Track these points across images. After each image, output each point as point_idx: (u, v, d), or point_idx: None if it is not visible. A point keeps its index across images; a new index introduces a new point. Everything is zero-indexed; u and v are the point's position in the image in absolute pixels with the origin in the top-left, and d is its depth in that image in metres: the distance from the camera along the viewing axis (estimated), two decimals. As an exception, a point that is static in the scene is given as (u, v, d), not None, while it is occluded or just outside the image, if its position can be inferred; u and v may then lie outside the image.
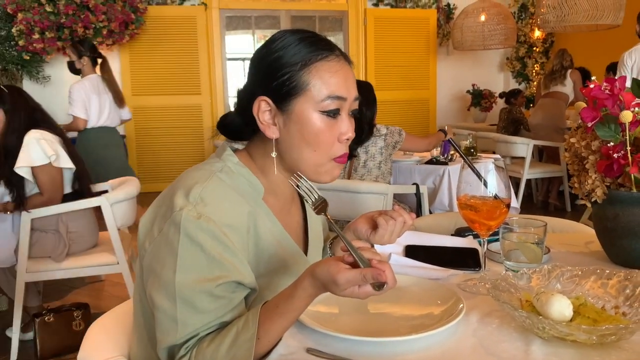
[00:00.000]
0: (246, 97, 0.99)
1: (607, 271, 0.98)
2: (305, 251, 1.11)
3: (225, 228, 0.89)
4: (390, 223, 1.08)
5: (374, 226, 1.10)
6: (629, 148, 1.10)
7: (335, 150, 0.97)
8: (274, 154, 0.98)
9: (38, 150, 2.50)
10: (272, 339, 0.85)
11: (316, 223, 1.19)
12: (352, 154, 2.84)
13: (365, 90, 2.93)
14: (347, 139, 0.98)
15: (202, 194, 0.90)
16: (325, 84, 0.93)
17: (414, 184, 2.93)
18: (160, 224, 0.91)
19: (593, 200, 1.18)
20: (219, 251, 0.87)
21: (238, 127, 1.04)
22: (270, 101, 0.95)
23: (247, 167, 1.00)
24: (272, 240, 1.00)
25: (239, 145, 1.07)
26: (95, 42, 5.59)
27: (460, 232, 1.49)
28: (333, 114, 0.95)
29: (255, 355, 0.82)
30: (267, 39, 1.00)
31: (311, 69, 0.93)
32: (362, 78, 6.63)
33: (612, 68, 5.29)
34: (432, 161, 3.52)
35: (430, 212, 3.16)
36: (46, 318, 2.50)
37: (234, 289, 0.89)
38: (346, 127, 0.97)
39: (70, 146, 2.70)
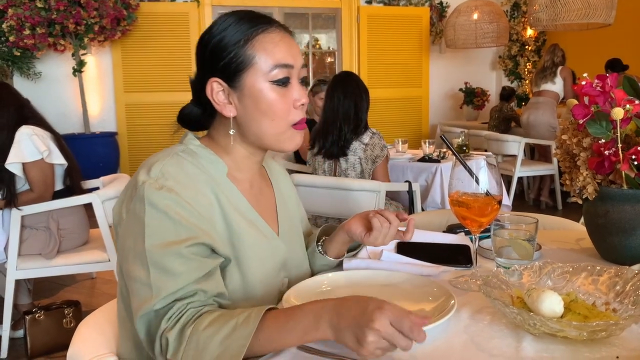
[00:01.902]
0: (198, 83, 1.03)
1: (598, 268, 0.98)
2: (278, 231, 1.12)
3: (188, 199, 0.92)
4: (384, 226, 1.09)
5: (369, 227, 1.11)
6: (620, 145, 1.10)
7: (292, 117, 1.00)
8: (231, 132, 1.01)
9: (30, 146, 2.48)
10: (270, 347, 0.83)
11: (287, 204, 1.19)
12: (346, 145, 2.82)
13: (360, 81, 2.93)
14: (302, 105, 1.01)
15: (162, 170, 0.94)
16: (270, 54, 0.97)
17: (406, 181, 2.93)
18: (127, 204, 0.94)
19: (584, 197, 1.19)
20: (185, 216, 0.90)
21: (197, 116, 1.07)
22: (221, 81, 0.99)
23: (209, 149, 1.03)
24: (239, 215, 1.01)
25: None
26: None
27: (452, 229, 1.49)
28: (283, 82, 0.98)
29: (248, 353, 0.81)
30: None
31: (254, 43, 0.97)
32: (355, 76, 6.61)
33: (611, 66, 5.29)
34: (425, 159, 3.53)
35: (423, 210, 3.16)
36: (37, 315, 2.48)
37: (206, 253, 0.92)
38: (299, 93, 1.01)
39: (61, 142, 2.68)
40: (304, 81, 1.04)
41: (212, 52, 0.99)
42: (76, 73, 5.80)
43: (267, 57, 0.97)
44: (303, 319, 0.81)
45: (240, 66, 0.97)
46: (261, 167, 1.16)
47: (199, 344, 0.82)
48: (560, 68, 5.33)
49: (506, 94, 6.29)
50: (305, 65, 0.99)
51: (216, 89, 0.99)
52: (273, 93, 0.98)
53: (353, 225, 1.14)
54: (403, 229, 1.15)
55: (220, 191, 0.99)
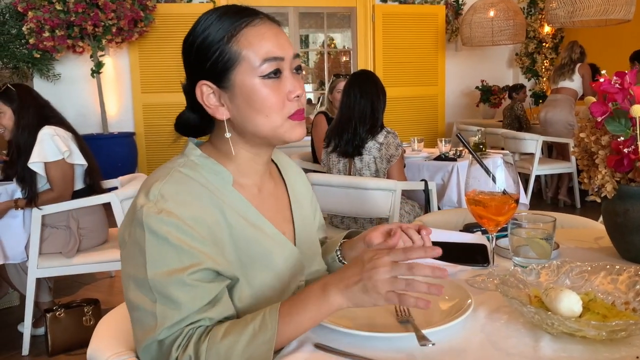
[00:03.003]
0: (189, 88, 0.99)
1: (617, 267, 0.97)
2: (294, 233, 1.08)
3: (189, 221, 0.87)
4: (407, 246, 1.05)
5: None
6: (639, 143, 1.09)
7: (287, 110, 0.95)
8: (227, 135, 0.96)
9: (52, 146, 2.52)
10: (291, 337, 0.84)
11: (302, 203, 1.14)
12: (362, 144, 2.82)
13: (378, 79, 2.93)
14: (297, 96, 0.96)
15: (161, 191, 0.89)
16: (257, 48, 0.92)
17: (422, 180, 2.92)
18: (128, 228, 0.90)
19: (603, 195, 1.17)
20: (187, 241, 0.86)
21: (195, 122, 1.02)
22: (210, 83, 0.94)
23: (211, 158, 0.98)
24: (248, 227, 0.96)
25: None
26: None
27: (468, 228, 1.48)
28: (274, 75, 0.93)
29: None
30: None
31: (239, 38, 0.92)
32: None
33: (637, 57, 5.15)
34: (441, 157, 3.51)
35: (439, 209, 3.15)
36: (57, 313, 2.52)
37: (211, 278, 0.88)
38: (292, 85, 0.95)
39: (81, 142, 2.72)
40: (299, 71, 0.98)
41: (197, 52, 0.94)
42: (94, 74, 5.87)
43: (254, 51, 0.91)
44: (311, 297, 0.84)
45: (228, 64, 0.92)
46: (269, 167, 1.10)
47: (220, 356, 0.81)
48: (578, 65, 5.26)
49: (510, 91, 6.22)
50: (299, 55, 0.99)
51: (206, 92, 0.95)
52: (265, 88, 0.92)
53: (374, 238, 1.09)
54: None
55: (225, 205, 0.95)
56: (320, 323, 0.86)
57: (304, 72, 1.02)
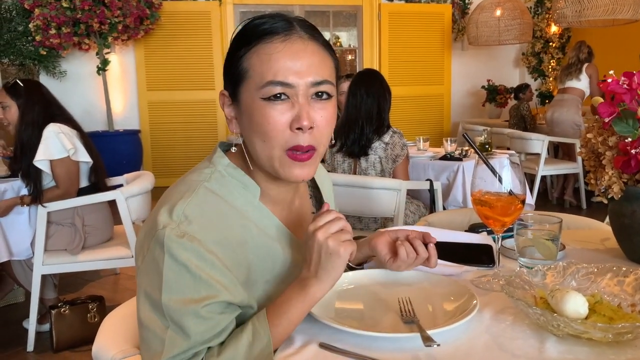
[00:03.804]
0: None
1: (624, 269, 0.96)
2: None
3: (212, 246, 0.83)
4: (411, 257, 1.04)
5: (395, 252, 1.05)
6: (647, 144, 1.08)
7: (285, 140, 0.85)
8: (233, 149, 0.95)
9: (57, 144, 2.53)
10: (285, 335, 0.86)
11: None
12: (368, 144, 2.82)
13: (383, 79, 2.92)
14: (300, 129, 0.84)
15: (185, 211, 0.84)
16: (264, 68, 0.84)
17: (427, 179, 2.91)
18: (147, 242, 0.85)
19: (610, 196, 1.17)
20: (206, 271, 0.82)
21: None
22: (227, 94, 0.93)
23: (239, 168, 0.93)
24: (274, 243, 0.94)
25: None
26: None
27: (474, 228, 1.48)
28: (275, 99, 0.84)
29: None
30: None
31: (251, 54, 0.86)
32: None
33: None
34: (446, 157, 3.50)
35: (444, 208, 3.14)
36: (62, 310, 2.53)
37: (223, 309, 0.84)
38: (297, 114, 0.84)
39: (87, 140, 2.73)
40: (324, 96, 0.87)
41: (225, 60, 0.92)
42: (100, 72, 5.89)
43: (261, 70, 0.84)
44: (293, 295, 0.87)
45: (237, 78, 0.88)
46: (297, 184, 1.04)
47: None
48: (586, 65, 5.23)
49: (516, 91, 6.20)
50: (327, 81, 0.85)
51: (226, 102, 0.93)
52: (266, 110, 0.84)
53: (379, 245, 1.07)
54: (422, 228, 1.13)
55: (251, 223, 0.91)
56: (325, 323, 0.86)
57: (332, 97, 0.89)
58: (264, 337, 0.83)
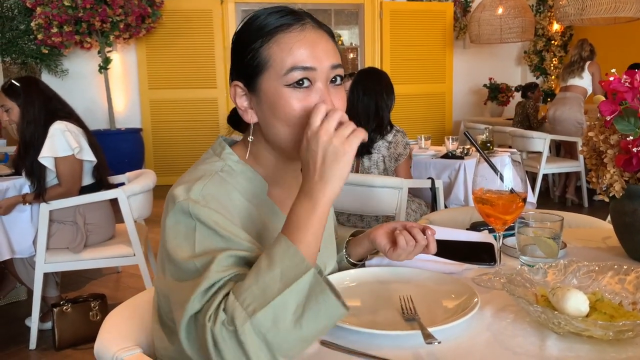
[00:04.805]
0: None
1: (625, 267, 0.97)
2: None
3: (235, 221, 0.86)
4: (410, 245, 1.05)
5: (394, 242, 1.06)
6: (648, 142, 1.08)
7: None
8: (249, 139, 0.95)
9: (62, 142, 2.54)
10: (307, 246, 0.79)
11: None
12: (370, 147, 2.81)
13: (384, 78, 2.91)
14: None
15: (203, 191, 0.86)
16: (287, 56, 0.88)
17: (429, 178, 2.91)
18: (164, 218, 0.87)
19: (611, 195, 1.17)
20: (234, 231, 0.83)
21: (238, 117, 1.00)
22: (242, 85, 0.93)
23: (247, 164, 0.96)
24: None
25: (236, 137, 1.04)
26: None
27: (475, 227, 1.48)
28: (299, 84, 0.88)
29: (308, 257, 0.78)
30: None
31: (271, 43, 0.89)
32: (377, 72, 6.60)
33: None
34: (448, 155, 3.50)
35: (446, 207, 3.14)
36: (64, 308, 2.53)
37: (248, 264, 0.83)
38: (319, 97, 0.88)
39: (91, 138, 2.73)
40: (338, 80, 0.92)
41: (235, 52, 0.93)
42: (102, 70, 5.89)
43: (283, 58, 0.88)
44: (300, 209, 0.81)
45: (257, 69, 0.90)
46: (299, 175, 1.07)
47: (255, 293, 0.73)
48: (588, 63, 5.23)
49: (525, 89, 6.19)
50: (339, 66, 0.91)
51: (239, 93, 0.93)
52: (290, 97, 0.88)
53: (379, 237, 1.10)
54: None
55: (258, 216, 0.94)
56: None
57: (342, 82, 0.94)
58: (283, 239, 0.78)
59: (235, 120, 1.04)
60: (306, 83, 0.88)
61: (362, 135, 0.82)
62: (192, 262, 0.81)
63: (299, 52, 0.88)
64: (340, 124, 0.82)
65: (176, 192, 0.87)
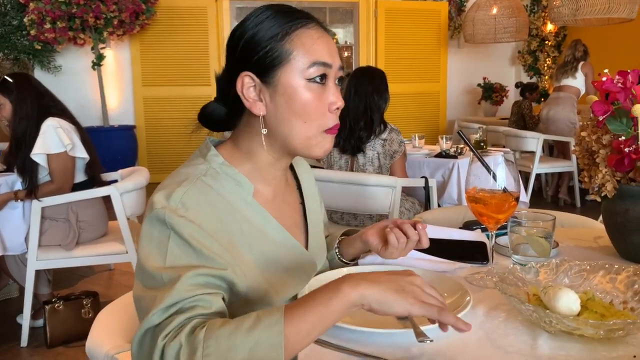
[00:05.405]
0: (227, 79, 0.97)
1: (616, 266, 0.97)
2: (306, 239, 1.08)
3: (212, 232, 0.86)
4: (401, 242, 1.05)
5: (386, 240, 1.06)
6: (640, 142, 1.09)
7: (326, 121, 0.95)
8: (264, 131, 0.94)
9: (55, 138, 2.53)
10: (292, 341, 0.73)
11: (315, 205, 1.14)
12: (361, 145, 2.81)
13: (378, 78, 2.90)
14: (337, 109, 0.95)
15: (183, 198, 0.86)
16: (309, 51, 0.92)
17: (423, 177, 2.92)
18: (143, 222, 0.87)
19: (603, 195, 1.17)
20: (208, 246, 0.84)
21: (221, 116, 1.01)
22: (253, 75, 0.93)
23: (233, 166, 0.96)
24: (267, 239, 0.96)
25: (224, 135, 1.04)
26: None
27: (468, 225, 1.48)
28: (320, 80, 0.92)
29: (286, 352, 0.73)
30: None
31: (292, 38, 0.92)
32: (372, 70, 6.60)
33: None
34: (442, 154, 3.51)
35: (439, 206, 3.15)
36: (56, 305, 2.52)
37: (218, 282, 0.84)
38: (335, 96, 0.95)
39: (84, 134, 2.72)
40: (341, 83, 0.98)
41: (245, 45, 0.93)
42: (95, 67, 5.86)
43: (305, 53, 0.91)
44: (320, 291, 0.77)
45: (276, 61, 0.91)
46: (286, 173, 1.08)
47: (221, 345, 0.71)
48: (581, 63, 5.25)
49: (524, 89, 6.21)
50: (343, 68, 0.99)
51: (247, 84, 0.93)
52: (308, 92, 0.92)
53: (370, 236, 1.10)
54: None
55: (244, 219, 0.93)
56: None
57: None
58: (276, 313, 0.74)
59: (212, 119, 1.02)
60: (324, 80, 0.93)
61: (431, 311, 0.76)
62: (160, 274, 0.82)
63: (320, 48, 0.93)
64: (429, 295, 0.79)
65: (156, 198, 0.87)
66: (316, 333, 0.75)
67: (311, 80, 0.92)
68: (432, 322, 0.80)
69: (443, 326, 0.77)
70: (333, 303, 0.75)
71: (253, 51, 0.92)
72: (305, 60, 0.91)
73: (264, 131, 0.95)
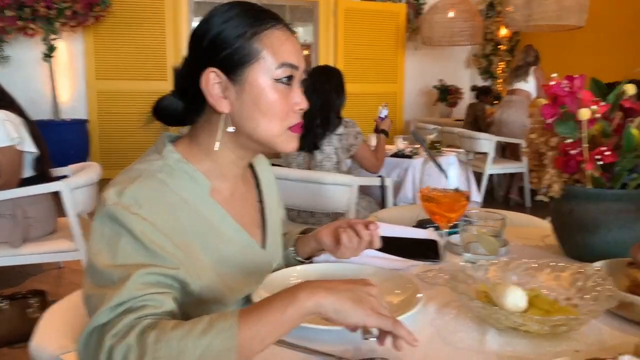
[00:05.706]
0: (189, 74, 0.95)
1: (561, 264, 1.00)
2: (264, 237, 1.08)
3: (165, 230, 0.85)
4: (354, 241, 1.05)
5: (339, 240, 1.06)
6: (585, 145, 1.13)
7: (289, 120, 0.96)
8: (232, 129, 0.94)
9: (1, 132, 2.43)
10: (255, 342, 0.72)
11: (273, 203, 1.15)
12: (317, 142, 2.82)
13: (335, 77, 2.91)
14: (301, 109, 0.97)
15: (136, 195, 0.85)
16: (277, 52, 0.92)
17: (379, 176, 2.95)
18: (94, 218, 0.86)
19: (550, 195, 1.21)
20: (160, 244, 0.83)
21: (178, 110, 0.99)
22: (220, 72, 0.92)
23: (189, 163, 0.95)
24: (223, 238, 0.96)
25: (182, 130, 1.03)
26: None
27: (421, 224, 1.51)
28: (287, 81, 0.94)
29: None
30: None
31: (262, 37, 0.92)
32: (331, 69, 6.62)
33: None
34: (398, 154, 3.55)
35: (395, 205, 3.19)
36: (0, 305, 2.43)
37: (170, 281, 0.83)
38: (300, 97, 0.96)
39: (34, 128, 2.63)
40: (303, 85, 1.00)
41: (212, 41, 0.92)
42: (46, 58, 5.67)
43: (274, 54, 0.92)
44: (276, 298, 0.76)
45: (245, 59, 0.91)
46: (246, 170, 1.09)
47: (172, 348, 0.70)
48: (533, 68, 5.41)
49: (479, 92, 6.36)
50: (307, 70, 1.01)
51: (212, 80, 0.92)
52: (275, 92, 0.93)
53: (324, 236, 1.10)
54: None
55: (199, 216, 0.93)
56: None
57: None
58: (230, 317, 0.72)
59: (167, 113, 1.01)
60: (290, 80, 0.94)
61: (386, 323, 0.75)
62: (109, 272, 0.80)
63: (288, 49, 0.94)
64: (385, 307, 0.78)
65: (107, 194, 0.85)
66: (271, 339, 0.74)
67: (278, 80, 0.93)
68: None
69: (395, 339, 0.76)
70: (289, 310, 0.73)
71: (220, 48, 0.92)
72: (274, 60, 0.92)
73: (231, 129, 0.94)
